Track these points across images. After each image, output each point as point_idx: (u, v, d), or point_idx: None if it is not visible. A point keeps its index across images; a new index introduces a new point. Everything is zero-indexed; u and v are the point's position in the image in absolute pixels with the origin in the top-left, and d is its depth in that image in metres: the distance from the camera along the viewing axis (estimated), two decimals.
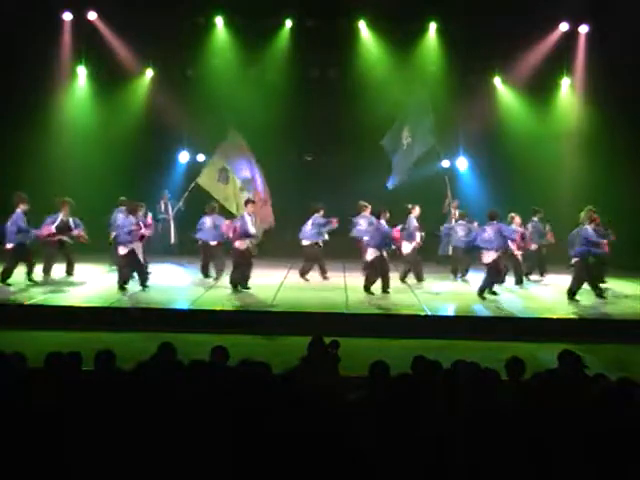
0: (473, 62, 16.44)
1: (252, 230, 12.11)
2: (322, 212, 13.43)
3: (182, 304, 11.26)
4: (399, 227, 12.69)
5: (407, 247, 13.11)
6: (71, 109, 16.66)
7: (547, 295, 12.48)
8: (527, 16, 15.33)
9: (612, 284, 12.87)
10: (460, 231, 14.09)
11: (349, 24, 16.38)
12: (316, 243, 13.37)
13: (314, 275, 13.47)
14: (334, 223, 13.27)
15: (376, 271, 12.11)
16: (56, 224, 12.63)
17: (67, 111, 16.61)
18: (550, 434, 4.15)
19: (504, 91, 16.80)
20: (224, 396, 4.35)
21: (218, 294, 11.81)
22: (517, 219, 12.92)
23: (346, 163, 17.04)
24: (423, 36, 16.43)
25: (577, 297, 11.66)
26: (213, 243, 13.29)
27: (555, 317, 10.68)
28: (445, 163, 16.32)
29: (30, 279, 12.12)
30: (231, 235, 12.24)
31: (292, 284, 12.97)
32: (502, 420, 4.26)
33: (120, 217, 13.47)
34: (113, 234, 13.14)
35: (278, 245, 15.53)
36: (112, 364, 5.12)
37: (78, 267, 13.30)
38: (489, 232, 11.82)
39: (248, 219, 12.07)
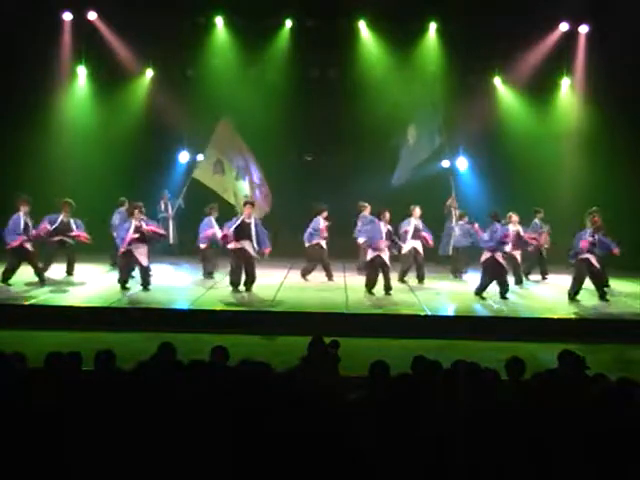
0: (473, 62, 16.42)
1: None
2: (325, 213, 13.42)
3: (182, 304, 11.26)
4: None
5: (406, 247, 13.16)
6: (71, 109, 16.65)
7: (547, 295, 12.48)
8: (527, 16, 15.32)
9: (612, 284, 12.87)
10: (458, 231, 14.15)
11: (349, 24, 16.36)
12: (317, 244, 13.37)
13: (315, 275, 13.47)
14: (322, 232, 13.25)
15: (376, 271, 12.12)
16: (56, 225, 12.64)
17: (67, 111, 16.60)
18: (550, 434, 4.15)
19: (504, 91, 16.79)
20: (224, 396, 4.35)
21: (218, 294, 11.81)
22: (514, 217, 12.94)
23: (346, 163, 17.04)
24: (423, 36, 16.42)
25: (577, 297, 11.68)
26: (202, 246, 13.31)
27: (555, 317, 10.69)
28: (445, 163, 16.32)
29: (41, 278, 12.11)
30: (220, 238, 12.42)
31: (292, 284, 12.97)
32: (502, 420, 4.25)
33: (118, 218, 13.56)
34: (114, 234, 13.16)
35: (278, 245, 15.51)
36: (112, 364, 5.12)
37: (78, 267, 13.31)
38: (487, 233, 11.93)
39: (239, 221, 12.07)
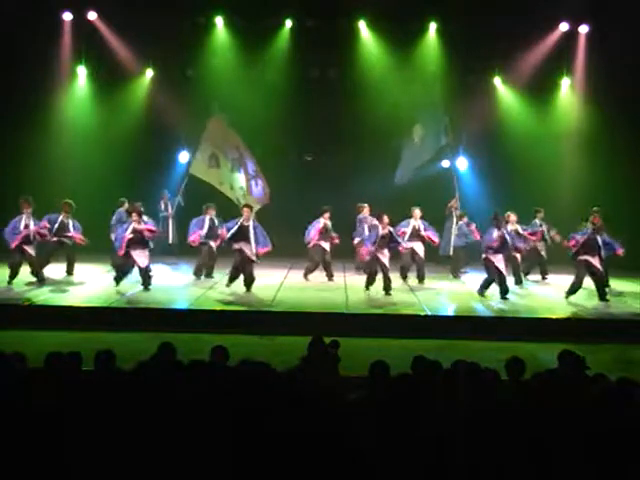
0: (473, 62, 16.41)
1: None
2: (327, 214, 13.41)
3: (182, 304, 11.26)
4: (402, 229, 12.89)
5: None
6: (71, 109, 16.64)
7: (547, 295, 12.48)
8: (527, 16, 15.31)
9: (612, 284, 12.87)
10: (456, 231, 14.23)
11: (349, 24, 16.35)
12: (318, 244, 13.38)
13: (315, 275, 13.48)
14: (316, 233, 13.24)
15: (375, 270, 12.16)
16: (56, 225, 12.66)
17: (67, 111, 16.59)
18: (550, 434, 4.15)
19: (504, 91, 16.78)
20: (224, 396, 4.35)
21: (218, 294, 11.81)
22: (512, 217, 13.00)
23: (346, 163, 17.03)
24: (423, 36, 16.41)
25: (573, 297, 11.69)
26: (192, 242, 13.35)
27: (555, 317, 10.70)
28: (445, 163, 16.32)
29: (40, 278, 12.13)
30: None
31: (292, 284, 12.98)
32: (502, 420, 4.25)
33: (115, 218, 13.57)
34: (113, 235, 13.17)
35: (278, 245, 15.51)
36: (112, 364, 5.12)
37: (78, 267, 13.32)
38: (485, 235, 12.13)
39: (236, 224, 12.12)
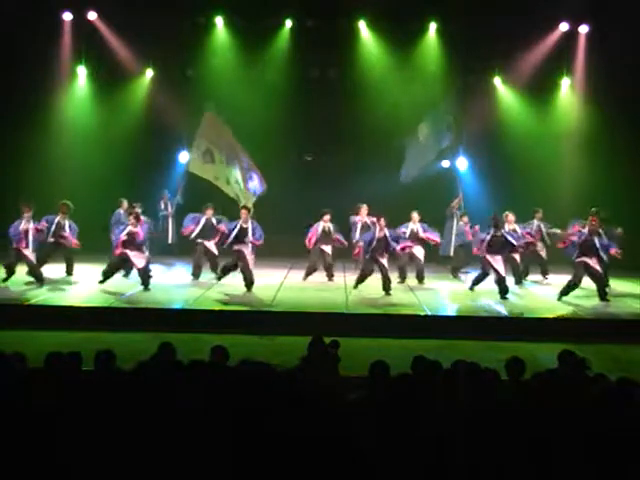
0: (473, 62, 16.43)
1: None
2: (327, 217, 13.41)
3: (182, 304, 11.26)
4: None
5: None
6: (71, 109, 16.65)
7: (547, 295, 12.47)
8: (527, 16, 15.32)
9: (612, 284, 12.87)
10: (455, 231, 14.30)
11: (349, 24, 16.36)
12: (318, 247, 13.39)
13: (315, 275, 13.47)
14: (313, 235, 13.29)
15: (371, 270, 12.14)
16: (53, 226, 12.69)
17: (67, 111, 16.60)
18: (550, 434, 4.15)
19: (504, 91, 16.79)
20: (224, 396, 4.35)
21: (217, 294, 11.81)
22: (510, 217, 13.04)
23: (346, 163, 17.03)
24: (423, 36, 16.42)
25: (572, 298, 11.70)
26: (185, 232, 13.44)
27: (555, 317, 10.69)
28: (445, 163, 16.32)
29: (39, 278, 12.14)
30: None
31: (292, 284, 12.98)
32: (502, 420, 4.25)
33: (113, 219, 13.59)
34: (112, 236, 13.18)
35: (278, 245, 15.53)
36: (112, 364, 5.12)
37: (78, 267, 13.31)
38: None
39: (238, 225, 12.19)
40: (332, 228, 13.43)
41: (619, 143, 15.45)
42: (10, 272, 11.98)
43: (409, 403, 4.34)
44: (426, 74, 16.44)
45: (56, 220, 12.77)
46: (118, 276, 12.43)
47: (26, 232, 12.01)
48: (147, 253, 13.11)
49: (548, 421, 4.25)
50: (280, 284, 12.82)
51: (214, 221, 13.15)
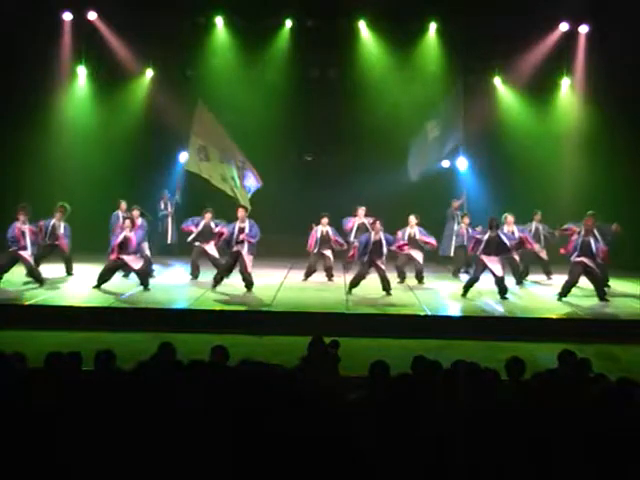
0: (473, 62, 16.42)
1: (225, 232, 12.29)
2: (325, 220, 13.40)
3: (181, 304, 11.26)
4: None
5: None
6: (71, 109, 16.64)
7: (547, 295, 12.47)
8: (527, 16, 15.31)
9: (612, 284, 12.88)
10: (456, 232, 14.36)
11: (349, 24, 16.35)
12: (318, 251, 13.40)
13: (315, 275, 13.48)
14: (311, 238, 13.28)
15: (366, 273, 12.13)
16: (48, 228, 12.73)
17: (67, 111, 16.59)
18: (550, 434, 4.15)
19: (504, 91, 16.78)
20: (224, 396, 4.35)
21: (218, 294, 11.81)
22: (509, 218, 13.04)
23: (346, 163, 17.03)
24: (423, 36, 16.41)
25: (572, 298, 11.71)
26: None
27: (555, 317, 10.70)
28: (445, 163, 16.31)
29: (38, 279, 12.14)
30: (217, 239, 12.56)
31: (292, 284, 12.98)
32: (502, 420, 4.25)
33: (111, 221, 13.61)
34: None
35: (278, 245, 15.53)
36: (112, 364, 5.12)
37: (78, 267, 13.32)
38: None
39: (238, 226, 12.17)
40: (330, 231, 13.43)
41: (619, 143, 15.44)
42: (3, 272, 11.97)
43: (409, 403, 4.34)
44: (426, 74, 16.44)
45: (52, 222, 12.80)
46: (118, 276, 12.44)
47: (22, 234, 12.01)
48: (148, 253, 13.15)
49: (548, 421, 4.25)
50: (280, 284, 12.82)
51: (212, 225, 13.12)
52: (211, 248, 13.05)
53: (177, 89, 16.13)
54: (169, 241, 15.92)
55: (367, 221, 13.59)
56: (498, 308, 11.25)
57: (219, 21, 16.41)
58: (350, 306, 11.09)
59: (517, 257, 13.20)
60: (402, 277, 13.29)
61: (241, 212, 12.36)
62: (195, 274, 13.22)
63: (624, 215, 14.10)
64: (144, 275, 11.98)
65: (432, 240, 13.45)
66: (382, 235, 12.17)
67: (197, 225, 13.16)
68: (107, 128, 16.27)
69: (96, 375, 5.03)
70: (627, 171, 15.38)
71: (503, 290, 11.76)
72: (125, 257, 11.85)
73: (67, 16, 16.08)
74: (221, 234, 12.32)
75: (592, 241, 11.74)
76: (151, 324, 9.62)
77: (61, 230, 12.88)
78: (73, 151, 16.38)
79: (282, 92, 16.04)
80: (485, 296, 11.93)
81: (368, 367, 4.98)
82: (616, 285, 13.03)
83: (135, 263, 11.91)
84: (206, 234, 13.04)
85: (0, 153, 15.75)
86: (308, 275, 13.38)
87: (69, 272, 13.21)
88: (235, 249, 12.13)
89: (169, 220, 15.96)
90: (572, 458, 4.03)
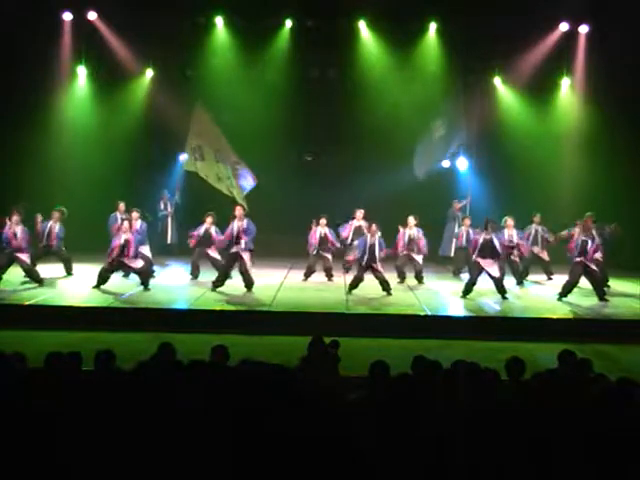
0: (473, 62, 16.42)
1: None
2: (324, 221, 13.41)
3: (182, 304, 11.26)
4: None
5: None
6: (71, 109, 16.64)
7: (547, 295, 12.48)
8: (527, 16, 15.30)
9: (612, 284, 12.89)
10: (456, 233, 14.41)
11: (349, 24, 16.34)
12: (318, 253, 13.42)
13: (315, 275, 13.48)
14: (310, 239, 13.27)
15: (362, 275, 12.14)
16: (46, 232, 12.81)
17: (67, 111, 16.59)
18: (550, 434, 4.14)
19: (504, 91, 16.78)
20: (224, 396, 4.35)
21: (218, 294, 11.81)
22: (510, 221, 13.05)
23: (346, 163, 17.04)
24: (423, 36, 16.40)
25: (571, 298, 11.71)
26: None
27: (555, 317, 10.70)
28: (445, 163, 16.31)
29: (37, 280, 12.16)
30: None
31: (292, 284, 12.98)
32: (502, 420, 4.25)
33: (109, 222, 13.61)
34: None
35: (278, 245, 15.53)
36: (112, 364, 5.12)
37: (78, 267, 13.32)
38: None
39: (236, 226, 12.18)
40: (329, 232, 13.44)
41: (619, 143, 15.44)
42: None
43: (409, 403, 4.34)
44: (426, 74, 16.44)
45: (49, 225, 12.86)
46: (118, 276, 12.45)
47: (14, 235, 12.03)
48: (149, 254, 13.15)
49: (548, 421, 4.25)
50: (280, 284, 12.82)
51: (213, 230, 13.09)
52: (212, 250, 13.06)
53: (177, 89, 16.13)
54: (169, 241, 15.89)
55: (364, 224, 13.56)
56: (498, 308, 11.25)
57: (219, 21, 16.41)
58: (350, 306, 11.09)
59: (516, 258, 13.20)
60: (402, 277, 13.30)
61: (239, 210, 12.38)
62: (195, 274, 13.22)
63: (624, 215, 14.11)
64: (145, 275, 12.00)
65: (424, 248, 13.34)
66: (377, 239, 12.18)
67: (199, 231, 13.15)
68: (107, 128, 16.27)
69: (96, 375, 5.03)
70: (627, 171, 15.38)
71: (502, 290, 11.76)
72: (124, 259, 11.86)
73: (67, 16, 16.08)
74: (224, 237, 12.32)
75: (589, 241, 11.78)
76: (151, 324, 9.63)
77: (57, 230, 12.94)
78: (73, 151, 16.38)
79: (282, 92, 16.04)
80: (485, 296, 11.93)
81: (368, 367, 4.98)
82: (616, 285, 13.04)
83: (135, 263, 11.92)
84: (207, 239, 13.03)
85: (0, 153, 15.76)
86: (308, 275, 13.39)
87: (69, 272, 13.22)
88: (234, 250, 12.13)
89: (169, 220, 15.94)
90: (572, 458, 4.03)
